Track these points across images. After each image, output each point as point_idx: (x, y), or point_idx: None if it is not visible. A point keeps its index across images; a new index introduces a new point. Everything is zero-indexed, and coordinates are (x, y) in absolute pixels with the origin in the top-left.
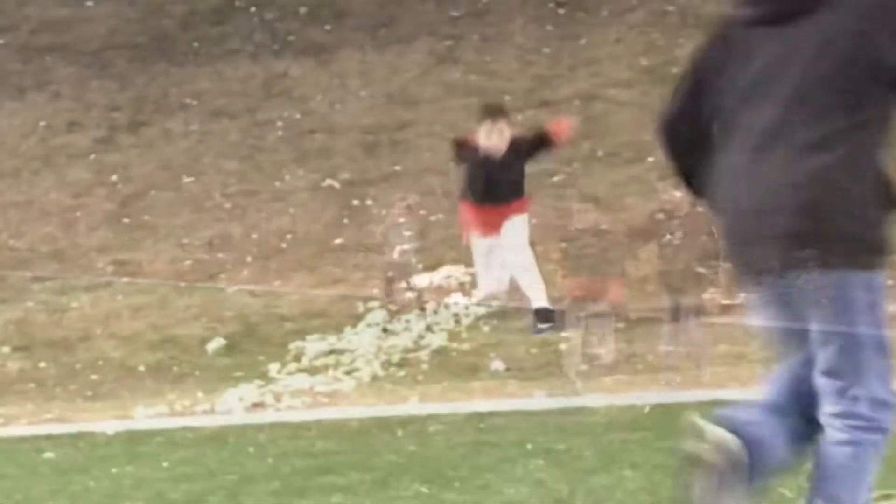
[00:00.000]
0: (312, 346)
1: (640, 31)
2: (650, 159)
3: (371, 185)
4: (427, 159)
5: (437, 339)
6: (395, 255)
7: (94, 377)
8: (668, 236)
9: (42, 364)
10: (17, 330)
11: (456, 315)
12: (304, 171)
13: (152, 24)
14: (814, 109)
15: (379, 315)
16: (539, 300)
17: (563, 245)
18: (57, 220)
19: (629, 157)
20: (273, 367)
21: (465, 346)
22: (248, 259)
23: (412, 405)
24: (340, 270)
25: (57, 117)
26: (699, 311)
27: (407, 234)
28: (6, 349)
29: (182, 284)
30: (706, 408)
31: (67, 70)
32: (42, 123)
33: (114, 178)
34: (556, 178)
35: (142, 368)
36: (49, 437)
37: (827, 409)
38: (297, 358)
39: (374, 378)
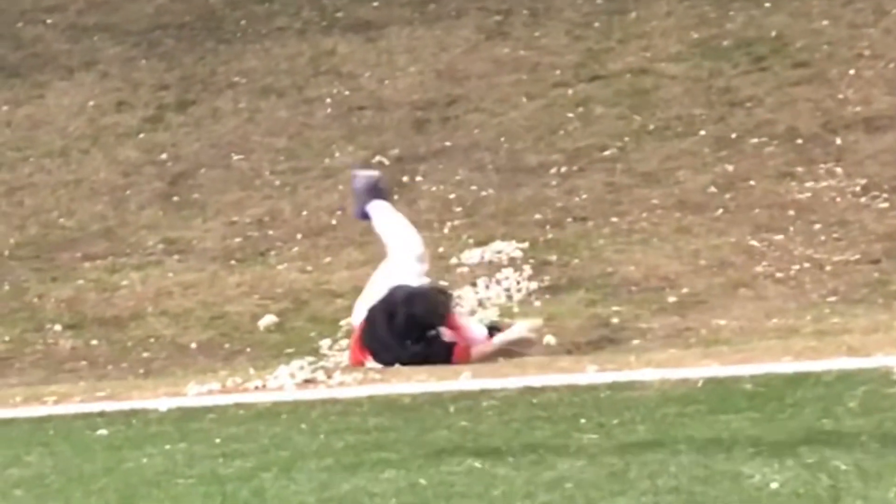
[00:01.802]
0: None
1: (690, 4)
2: (702, 133)
3: (421, 162)
4: (476, 135)
5: (489, 315)
6: None
7: (145, 355)
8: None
9: (94, 342)
10: (68, 308)
11: (507, 290)
12: (354, 148)
13: (199, 2)
14: None
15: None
16: None
17: None
18: (107, 198)
19: (680, 131)
20: (324, 344)
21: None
22: (298, 236)
23: (464, 380)
24: None
25: (105, 97)
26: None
27: None
28: (58, 327)
29: (232, 262)
30: (760, 381)
31: (115, 49)
32: (91, 103)
33: (163, 156)
34: (606, 153)
35: (193, 345)
36: (102, 415)
37: None
38: (349, 334)
39: None
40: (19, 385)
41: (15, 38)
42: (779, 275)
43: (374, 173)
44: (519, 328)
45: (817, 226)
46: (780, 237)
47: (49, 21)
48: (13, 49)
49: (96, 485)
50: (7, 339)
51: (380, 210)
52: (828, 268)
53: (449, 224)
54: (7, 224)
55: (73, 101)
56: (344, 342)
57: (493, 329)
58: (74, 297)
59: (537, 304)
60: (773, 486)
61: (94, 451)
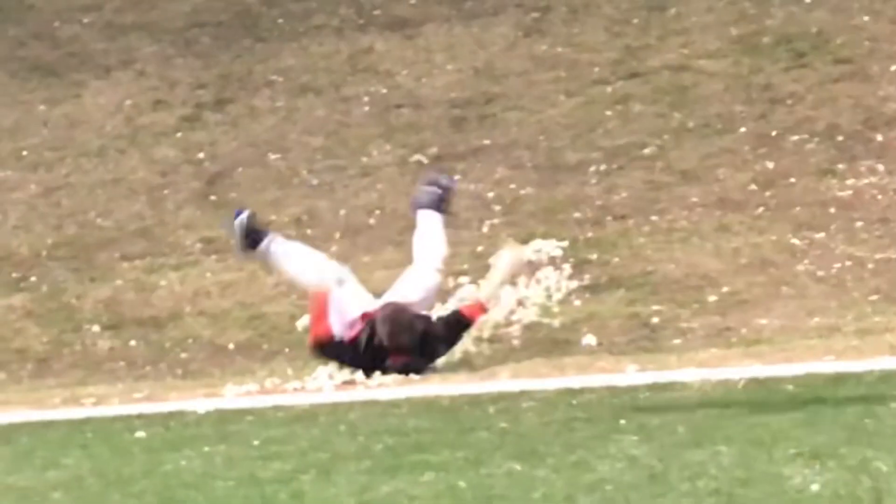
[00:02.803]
0: None
1: (730, 1)
2: (742, 130)
3: (459, 160)
4: (515, 133)
5: (529, 314)
6: None
7: (183, 356)
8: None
9: (132, 343)
10: (106, 309)
11: (547, 289)
12: (391, 147)
13: (236, 1)
14: None
15: (469, 290)
16: None
17: None
18: (144, 198)
19: (720, 129)
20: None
21: (557, 321)
22: (336, 235)
23: (503, 381)
24: None
25: (142, 96)
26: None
27: None
28: (96, 328)
29: None
30: (802, 382)
31: (152, 48)
32: (127, 102)
33: (200, 155)
34: (645, 151)
35: (231, 346)
36: (140, 417)
37: None
38: None
39: (465, 354)
40: (57, 386)
41: (51, 37)
42: (820, 273)
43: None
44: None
45: (859, 223)
46: (821, 235)
47: (85, 20)
48: (50, 48)
49: (134, 487)
50: (45, 339)
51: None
52: (869, 266)
53: (487, 223)
54: (44, 224)
55: (110, 100)
56: None
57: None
58: (112, 297)
59: (577, 303)
60: (814, 487)
61: (133, 454)
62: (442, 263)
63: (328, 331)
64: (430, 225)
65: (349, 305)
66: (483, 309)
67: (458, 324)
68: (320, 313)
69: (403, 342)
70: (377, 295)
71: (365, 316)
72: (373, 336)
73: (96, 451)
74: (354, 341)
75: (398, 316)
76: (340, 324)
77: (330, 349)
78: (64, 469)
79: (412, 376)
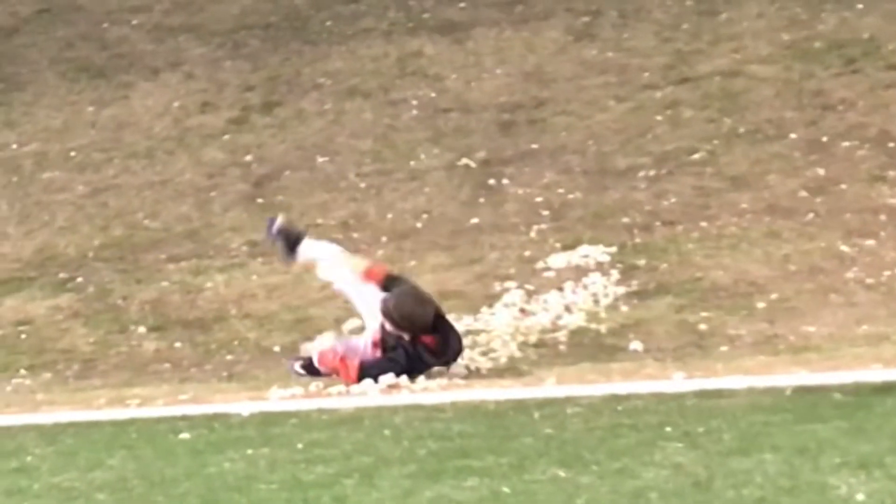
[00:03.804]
0: None
1: (781, 6)
2: (792, 136)
3: (507, 164)
4: (564, 137)
5: (575, 320)
6: None
7: (228, 357)
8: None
9: (177, 344)
10: (152, 310)
11: (594, 295)
12: (440, 150)
13: (285, 3)
14: None
15: (516, 295)
16: None
17: None
18: (191, 200)
19: (771, 135)
20: None
21: (604, 327)
22: (383, 239)
23: (549, 387)
24: (476, 250)
25: (190, 98)
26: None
27: None
28: (142, 329)
29: None
30: (849, 390)
31: (200, 50)
32: (175, 104)
33: (248, 158)
34: (695, 156)
35: (277, 349)
36: (184, 418)
37: None
38: None
39: (511, 359)
40: (103, 387)
41: (100, 38)
42: (869, 280)
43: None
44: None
45: None
46: (871, 242)
47: (134, 22)
48: (98, 50)
49: (178, 489)
50: (91, 340)
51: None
52: None
53: (535, 227)
54: (92, 225)
55: (158, 101)
56: None
57: None
58: (158, 298)
59: (624, 308)
60: (860, 497)
61: (177, 455)
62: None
63: (356, 364)
64: (320, 259)
65: (356, 340)
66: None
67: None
68: (340, 363)
69: (419, 318)
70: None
71: (374, 340)
72: (395, 333)
73: (141, 452)
74: (384, 350)
75: (404, 300)
76: (361, 355)
77: (372, 370)
78: (108, 470)
79: (457, 380)
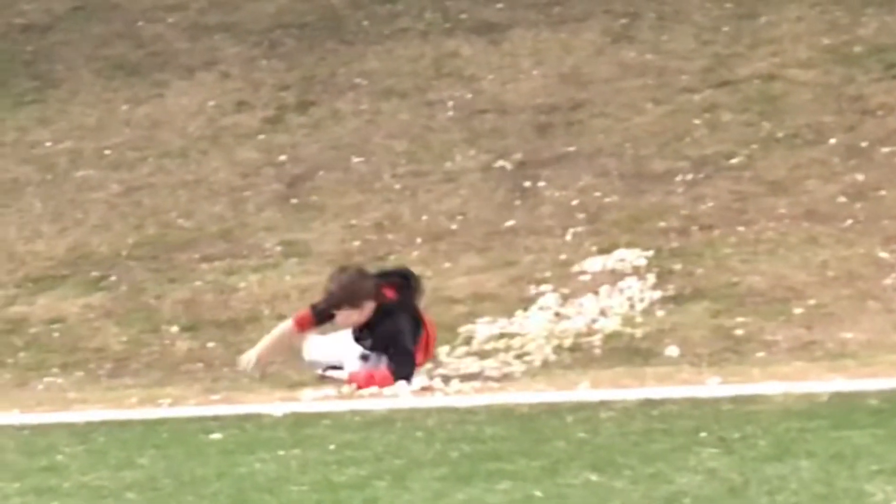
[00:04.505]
0: (482, 329)
1: (821, 9)
2: (832, 141)
3: (544, 167)
4: (601, 140)
5: (611, 324)
6: None
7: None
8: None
9: (210, 344)
10: (184, 310)
11: (630, 299)
12: (475, 152)
13: (321, 2)
14: None
15: (551, 298)
16: None
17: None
18: (225, 199)
19: (810, 139)
20: (442, 351)
21: (639, 331)
22: (418, 240)
23: (583, 391)
24: (511, 253)
25: (225, 97)
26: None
27: None
28: (174, 329)
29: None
30: (886, 397)
31: (236, 49)
32: (210, 103)
33: (282, 157)
34: (733, 161)
35: None
36: (216, 418)
37: None
38: (467, 341)
39: (545, 363)
40: (135, 386)
41: (135, 36)
42: None
43: None
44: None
45: None
46: None
47: (170, 20)
48: (133, 48)
49: (208, 489)
50: (124, 339)
51: None
52: None
53: (571, 231)
54: (125, 224)
55: (193, 100)
56: (462, 349)
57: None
58: (191, 298)
59: (660, 313)
60: None
61: (207, 455)
62: None
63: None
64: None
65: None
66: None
67: None
68: (373, 381)
69: (358, 284)
70: None
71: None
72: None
73: (171, 451)
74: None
75: (335, 279)
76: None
77: (402, 370)
78: (138, 469)
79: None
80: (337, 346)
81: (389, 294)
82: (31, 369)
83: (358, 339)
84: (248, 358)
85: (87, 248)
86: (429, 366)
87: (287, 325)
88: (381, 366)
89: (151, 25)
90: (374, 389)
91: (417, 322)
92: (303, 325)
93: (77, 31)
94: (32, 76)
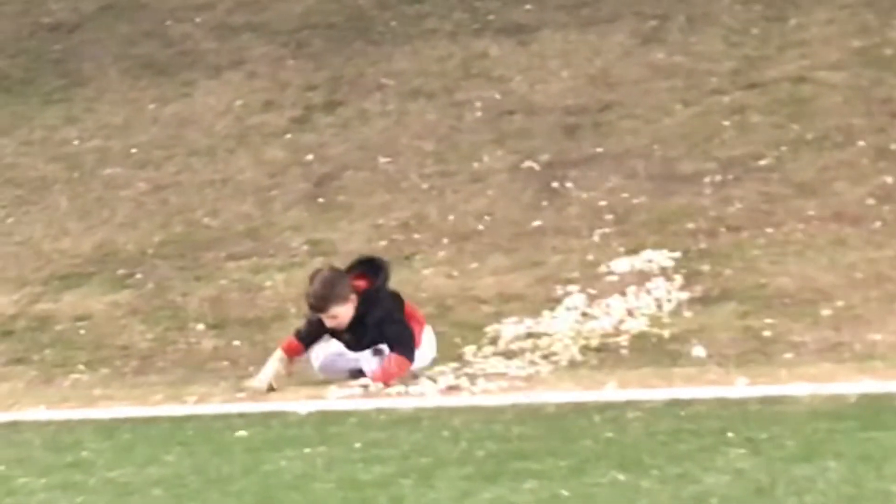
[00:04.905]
0: (509, 329)
1: (851, 12)
2: (861, 143)
3: (571, 168)
4: (629, 142)
5: (638, 325)
6: None
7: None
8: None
9: (236, 343)
10: (210, 308)
11: (657, 300)
12: (503, 153)
13: (349, 2)
14: None
15: (578, 299)
16: None
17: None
18: (252, 198)
19: (839, 142)
20: (468, 350)
21: (666, 332)
22: (444, 241)
23: (610, 391)
24: (538, 253)
25: (252, 96)
26: None
27: None
28: (200, 327)
29: None
30: None
31: (263, 49)
32: (237, 102)
33: (309, 157)
34: (762, 162)
35: None
36: (242, 416)
37: None
38: (494, 341)
39: (572, 363)
40: (160, 384)
41: (163, 36)
42: None
43: None
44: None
45: None
46: None
47: (197, 19)
48: (161, 47)
49: (234, 486)
50: (150, 337)
51: None
52: None
53: (599, 231)
54: (152, 222)
55: (220, 100)
56: (488, 349)
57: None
58: (217, 296)
59: (688, 314)
60: None
61: (233, 453)
62: None
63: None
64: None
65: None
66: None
67: None
68: (392, 370)
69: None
70: None
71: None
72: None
73: (197, 448)
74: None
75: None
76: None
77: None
78: (164, 465)
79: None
80: (338, 349)
81: (361, 284)
82: (56, 366)
83: (349, 344)
84: (259, 385)
85: (113, 246)
86: (455, 365)
87: (278, 354)
88: (387, 352)
89: (179, 25)
90: (398, 380)
91: (399, 299)
92: (292, 352)
93: (105, 30)
94: (60, 75)
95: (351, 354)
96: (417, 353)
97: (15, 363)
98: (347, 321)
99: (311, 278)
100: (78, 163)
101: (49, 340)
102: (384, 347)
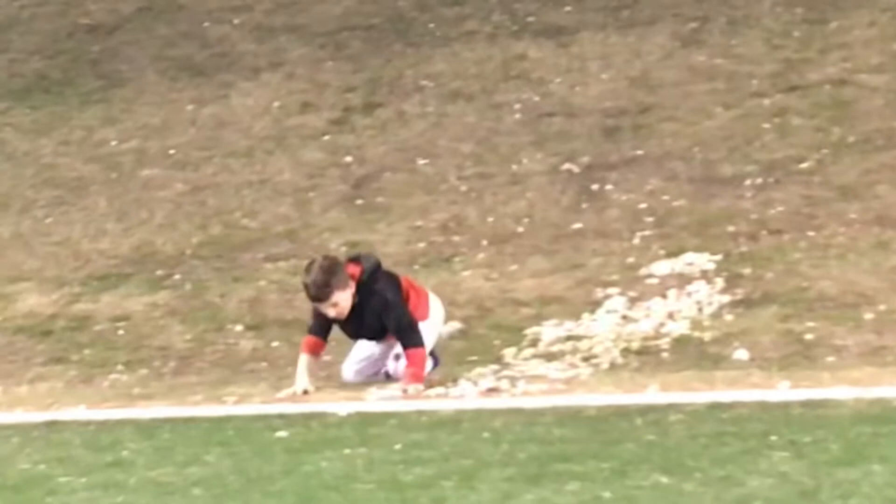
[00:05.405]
0: (549, 331)
1: (893, 15)
2: None
3: (611, 170)
4: (669, 144)
5: (679, 328)
6: None
7: (326, 358)
8: None
9: (274, 344)
10: (249, 309)
11: (698, 303)
12: (542, 155)
13: (388, 4)
14: None
15: (618, 301)
16: None
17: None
18: (290, 200)
19: (881, 145)
20: (508, 353)
21: (708, 335)
22: (484, 243)
23: (652, 394)
24: (578, 256)
25: (291, 98)
26: None
27: None
28: (239, 328)
29: (416, 267)
30: None
31: (302, 51)
32: (276, 104)
33: (348, 159)
34: (803, 165)
35: None
36: (281, 417)
37: None
38: (533, 343)
39: (613, 365)
40: (199, 384)
41: (201, 37)
42: None
43: None
44: None
45: None
46: None
47: (236, 21)
48: (199, 48)
49: (274, 486)
50: (188, 338)
51: None
52: None
53: (639, 234)
54: (190, 223)
55: (259, 101)
56: (528, 351)
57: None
58: (256, 297)
59: (729, 317)
60: None
61: (273, 453)
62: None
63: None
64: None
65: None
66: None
67: None
68: (415, 374)
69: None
70: None
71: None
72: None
73: (238, 449)
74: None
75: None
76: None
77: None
78: (205, 465)
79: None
80: (363, 354)
81: (356, 271)
82: (96, 366)
83: (351, 334)
84: (298, 389)
85: (151, 247)
86: (495, 367)
87: (304, 359)
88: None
89: (217, 26)
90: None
91: (394, 278)
92: (313, 348)
93: (143, 31)
94: (99, 76)
95: (375, 353)
96: (425, 325)
97: (54, 363)
98: (348, 309)
99: (307, 269)
100: (116, 163)
101: (88, 340)
102: (401, 351)
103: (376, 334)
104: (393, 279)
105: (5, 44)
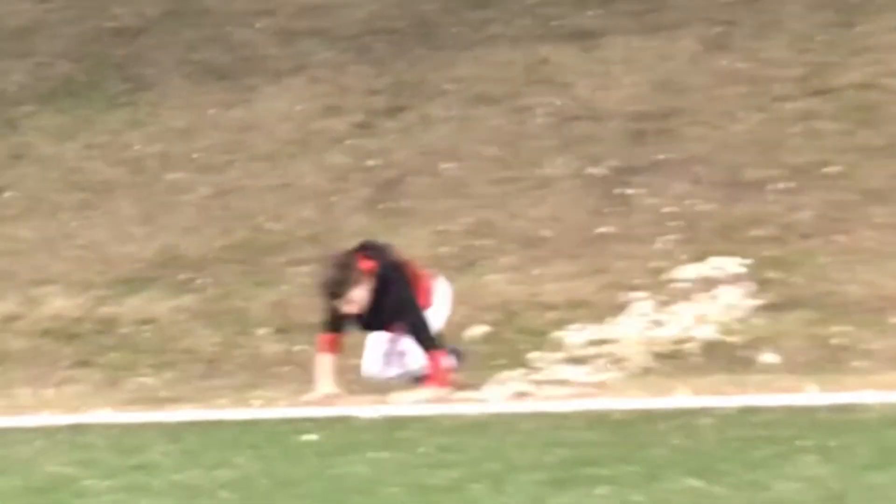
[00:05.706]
0: (575, 335)
1: None
2: None
3: (636, 174)
4: (695, 148)
5: (707, 332)
6: None
7: (352, 362)
8: None
9: (299, 347)
10: (274, 312)
11: (726, 307)
12: (567, 159)
13: (412, 8)
14: None
15: (645, 305)
16: None
17: None
18: (314, 203)
19: None
20: (535, 357)
21: (737, 339)
22: (509, 247)
23: (681, 397)
24: (603, 260)
25: (314, 101)
26: None
27: None
28: (263, 331)
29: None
30: None
31: (326, 54)
32: (299, 107)
33: (371, 162)
34: (830, 169)
35: None
36: (309, 420)
37: None
38: (559, 347)
39: (640, 369)
40: (225, 387)
41: (225, 41)
42: None
43: None
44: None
45: None
46: None
47: (259, 25)
48: (223, 52)
49: (302, 489)
50: (213, 341)
51: None
52: None
53: (664, 238)
54: (215, 227)
55: (283, 105)
56: (554, 355)
57: None
58: (280, 301)
59: (757, 321)
60: None
61: (301, 456)
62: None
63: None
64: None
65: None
66: None
67: None
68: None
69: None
70: None
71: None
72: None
73: (265, 452)
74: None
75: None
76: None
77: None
78: (233, 468)
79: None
80: (381, 347)
81: (368, 265)
82: (121, 369)
83: (366, 326)
84: (320, 393)
85: (176, 251)
86: (521, 371)
87: (325, 359)
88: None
89: (241, 30)
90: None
91: (404, 269)
92: (331, 345)
93: (168, 35)
94: (124, 79)
95: (391, 345)
96: (432, 311)
97: (80, 366)
98: (363, 305)
99: (325, 262)
100: (141, 167)
101: (114, 343)
102: (405, 349)
103: (388, 325)
104: (402, 270)
105: (31, 47)
